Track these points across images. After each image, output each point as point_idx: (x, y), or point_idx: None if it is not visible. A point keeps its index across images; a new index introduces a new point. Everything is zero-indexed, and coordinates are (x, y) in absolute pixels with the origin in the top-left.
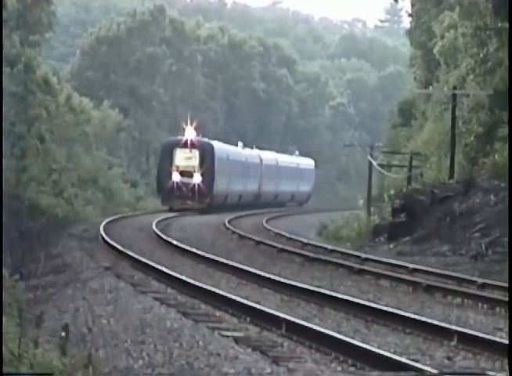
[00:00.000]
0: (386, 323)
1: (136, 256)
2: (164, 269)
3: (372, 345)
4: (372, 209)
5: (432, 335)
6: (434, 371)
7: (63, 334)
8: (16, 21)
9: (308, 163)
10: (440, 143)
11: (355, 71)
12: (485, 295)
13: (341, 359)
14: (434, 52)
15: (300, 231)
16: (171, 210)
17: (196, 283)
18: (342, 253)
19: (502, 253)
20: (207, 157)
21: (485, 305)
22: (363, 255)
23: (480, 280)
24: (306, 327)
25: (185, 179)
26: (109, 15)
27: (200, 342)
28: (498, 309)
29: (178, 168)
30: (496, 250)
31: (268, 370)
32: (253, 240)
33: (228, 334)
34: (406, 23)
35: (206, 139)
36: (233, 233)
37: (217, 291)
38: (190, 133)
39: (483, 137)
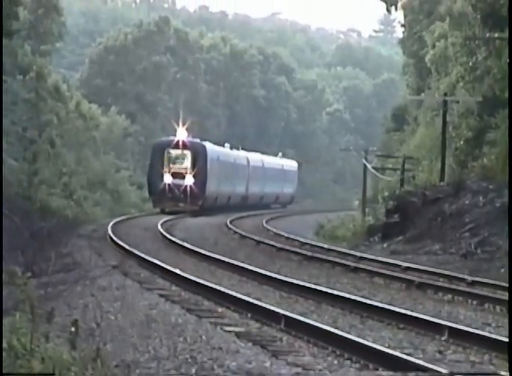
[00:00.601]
0: (380, 319)
1: (142, 255)
2: (169, 267)
3: (367, 340)
4: (366, 210)
5: (424, 330)
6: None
7: (73, 329)
8: (27, 31)
9: (291, 165)
10: (431, 147)
11: (351, 79)
12: (475, 292)
13: (338, 353)
14: (426, 61)
15: (298, 231)
16: (162, 212)
17: (200, 281)
18: (338, 252)
19: (490, 252)
20: (199, 158)
21: (475, 302)
22: (358, 254)
23: (469, 278)
24: (304, 322)
25: (177, 181)
26: (117, 25)
27: (203, 337)
28: (487, 305)
29: (169, 169)
30: (485, 249)
31: (268, 364)
32: (253, 239)
33: (230, 329)
34: (399, 33)
35: (198, 140)
36: (235, 233)
37: (219, 288)
38: (182, 134)
39: (472, 141)
